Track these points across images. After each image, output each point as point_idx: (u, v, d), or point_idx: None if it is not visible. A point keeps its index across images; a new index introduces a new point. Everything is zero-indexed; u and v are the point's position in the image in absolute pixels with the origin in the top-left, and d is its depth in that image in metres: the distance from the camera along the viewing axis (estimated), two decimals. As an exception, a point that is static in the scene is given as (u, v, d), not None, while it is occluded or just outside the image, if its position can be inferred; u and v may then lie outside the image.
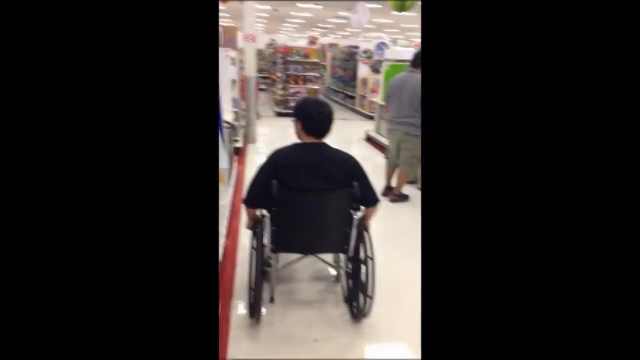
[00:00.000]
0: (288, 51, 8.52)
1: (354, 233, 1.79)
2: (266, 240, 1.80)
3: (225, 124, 3.00)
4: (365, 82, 8.86)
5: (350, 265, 1.96)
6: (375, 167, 4.97)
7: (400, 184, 3.57)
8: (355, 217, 1.79)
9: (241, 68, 5.68)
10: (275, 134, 6.76)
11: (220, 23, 4.49)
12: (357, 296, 1.86)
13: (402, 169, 3.51)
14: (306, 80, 8.45)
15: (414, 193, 3.80)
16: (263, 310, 1.89)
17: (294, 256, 2.12)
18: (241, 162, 4.72)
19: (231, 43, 4.81)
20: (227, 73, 3.75)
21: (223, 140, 2.86)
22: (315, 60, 8.60)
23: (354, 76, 9.58)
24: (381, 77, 6.33)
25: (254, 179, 1.75)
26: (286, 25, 17.13)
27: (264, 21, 15.34)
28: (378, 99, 6.15)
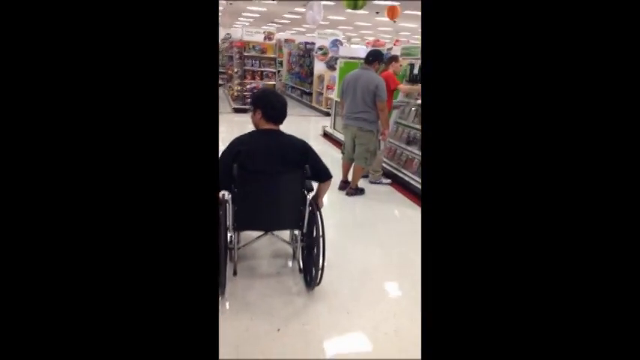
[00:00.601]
0: (244, 46, 8.44)
1: (307, 211, 1.98)
2: (228, 222, 1.94)
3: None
4: (321, 78, 8.99)
5: (304, 240, 2.14)
6: (332, 162, 5.10)
7: (356, 178, 3.72)
8: (308, 197, 1.99)
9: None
10: (233, 132, 6.69)
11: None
12: (310, 267, 2.04)
13: (357, 163, 3.66)
14: (262, 76, 8.43)
15: (368, 186, 3.98)
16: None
17: (255, 235, 2.30)
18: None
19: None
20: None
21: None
22: (272, 55, 8.59)
23: (310, 73, 9.68)
24: (336, 74, 6.48)
25: (219, 165, 1.85)
26: (242, 19, 16.84)
27: (219, 14, 14.98)
28: (334, 95, 6.30)
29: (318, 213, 1.96)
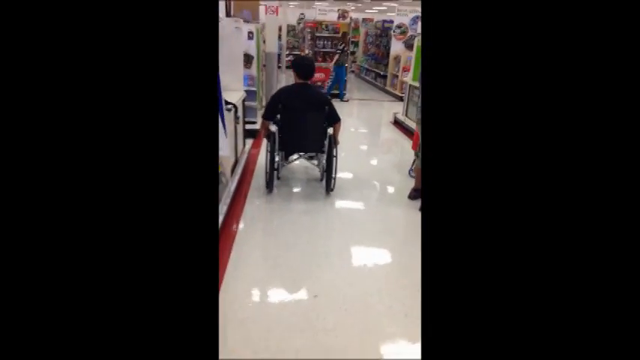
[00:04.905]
0: (316, 26, 8.07)
1: (327, 142, 3.09)
2: (276, 147, 3.06)
3: (227, 106, 2.71)
4: (397, 59, 8.27)
5: (324, 161, 3.24)
6: (402, 152, 4.60)
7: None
8: (329, 131, 3.10)
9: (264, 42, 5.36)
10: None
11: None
12: (329, 179, 3.17)
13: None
14: (334, 58, 7.98)
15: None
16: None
17: (293, 158, 3.62)
18: (257, 145, 4.46)
19: (248, 15, 4.48)
20: (238, 46, 3.45)
21: (224, 124, 2.59)
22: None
23: (386, 54, 9.00)
24: (412, 54, 5.79)
25: (267, 104, 3.09)
26: (320, -1, 16.43)
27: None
28: (409, 79, 5.64)
29: (334, 144, 3.03)
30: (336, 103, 6.86)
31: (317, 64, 7.70)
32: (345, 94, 7.75)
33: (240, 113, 3.23)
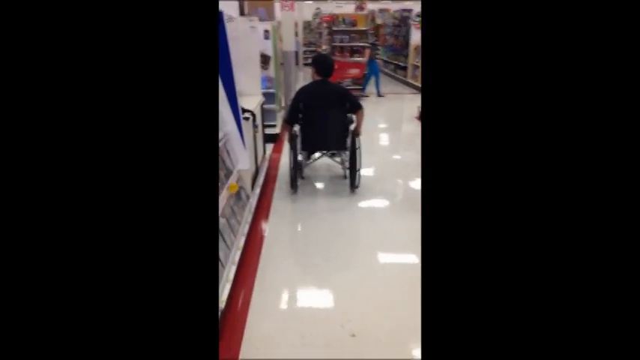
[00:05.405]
0: (333, 19, 7.81)
1: (350, 138, 3.06)
2: (298, 146, 3.08)
3: (244, 114, 2.55)
4: (418, 50, 7.93)
5: (348, 158, 3.20)
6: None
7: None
8: (350, 127, 3.06)
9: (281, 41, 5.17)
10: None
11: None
12: (353, 176, 3.13)
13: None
14: (353, 52, 7.72)
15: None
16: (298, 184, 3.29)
17: (317, 156, 3.58)
18: (278, 149, 4.31)
19: (263, 13, 4.30)
20: (254, 47, 3.28)
21: (242, 136, 2.44)
22: (363, 28, 7.81)
23: (406, 44, 8.66)
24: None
25: (290, 108, 3.11)
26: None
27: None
28: (434, 70, 5.34)
29: (357, 139, 3.00)
30: (366, 100, 6.73)
31: (349, 60, 7.54)
32: (365, 88, 7.48)
33: (258, 120, 3.06)
